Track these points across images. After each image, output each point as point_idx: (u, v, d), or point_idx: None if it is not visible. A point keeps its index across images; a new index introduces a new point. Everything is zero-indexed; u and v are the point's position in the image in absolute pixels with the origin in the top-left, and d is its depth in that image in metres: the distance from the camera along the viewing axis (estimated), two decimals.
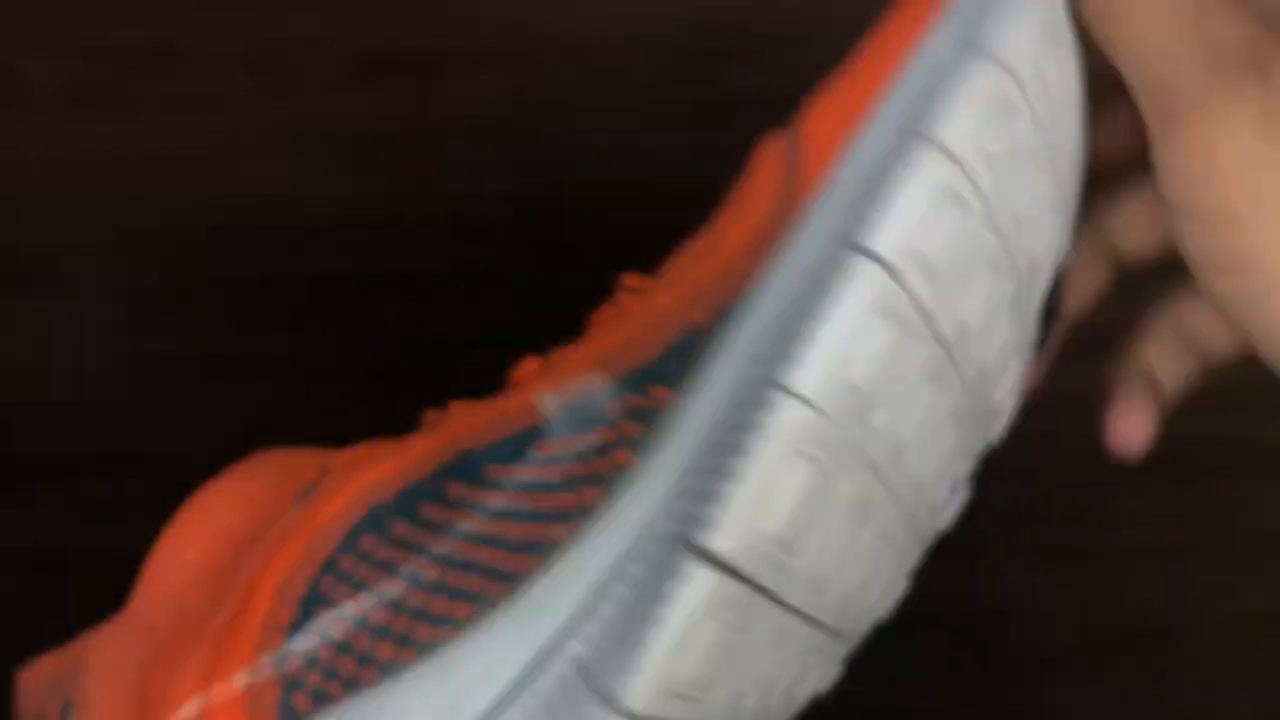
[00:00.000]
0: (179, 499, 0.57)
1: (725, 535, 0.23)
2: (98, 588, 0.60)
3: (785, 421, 0.23)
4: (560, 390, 0.26)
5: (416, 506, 0.26)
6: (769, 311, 0.24)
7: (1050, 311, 0.29)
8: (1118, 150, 0.26)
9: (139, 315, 0.53)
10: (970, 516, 0.57)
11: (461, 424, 0.27)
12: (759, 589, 0.24)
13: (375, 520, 0.26)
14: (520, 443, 0.26)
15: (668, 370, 0.25)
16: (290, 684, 0.25)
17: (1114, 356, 0.55)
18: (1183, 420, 0.55)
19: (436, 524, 0.26)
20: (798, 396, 0.23)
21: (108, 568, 0.59)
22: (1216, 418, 0.55)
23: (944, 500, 0.29)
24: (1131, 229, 0.26)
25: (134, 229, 0.51)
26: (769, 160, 0.27)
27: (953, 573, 0.59)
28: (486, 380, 0.55)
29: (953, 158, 0.23)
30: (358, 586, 0.25)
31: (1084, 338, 0.54)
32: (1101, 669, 0.61)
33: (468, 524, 0.25)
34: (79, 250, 0.52)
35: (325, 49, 0.48)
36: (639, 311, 0.27)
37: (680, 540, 0.23)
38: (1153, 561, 0.58)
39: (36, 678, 0.28)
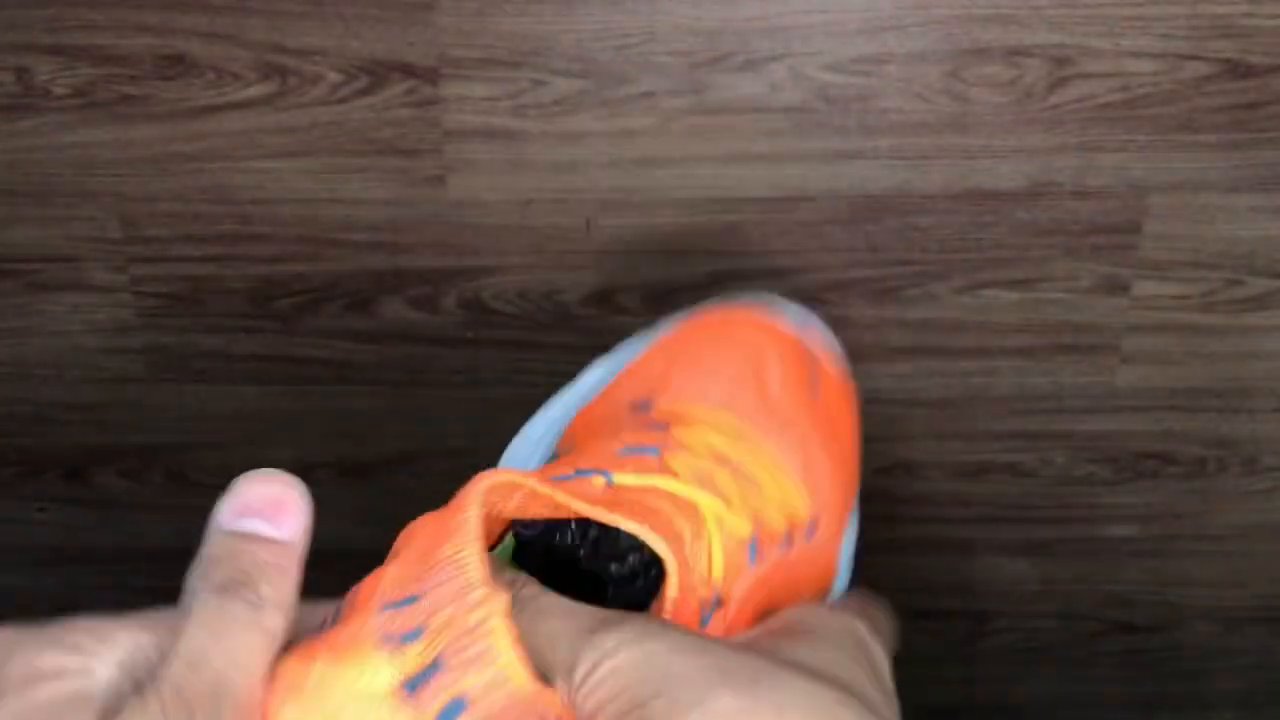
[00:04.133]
0: (188, 492, 0.57)
1: None
2: (109, 579, 0.60)
3: None
4: None
5: None
6: None
7: None
8: None
9: (148, 315, 0.54)
10: (959, 512, 0.58)
11: None
12: None
13: None
14: None
15: None
16: None
17: (1098, 358, 0.56)
18: (1165, 418, 0.56)
19: None
20: None
21: (119, 560, 0.59)
22: (1197, 415, 0.56)
23: None
24: None
25: (145, 231, 0.52)
26: None
27: (942, 566, 0.60)
28: (490, 379, 0.55)
29: None
30: None
31: (1072, 340, 0.54)
32: (1088, 658, 0.62)
33: None
34: (91, 252, 0.52)
35: (330, 57, 0.49)
36: None
37: None
38: (1137, 554, 0.59)
39: None
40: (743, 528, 0.33)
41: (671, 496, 0.32)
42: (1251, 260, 0.52)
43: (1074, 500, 0.57)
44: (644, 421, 0.36)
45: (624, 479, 0.31)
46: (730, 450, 0.35)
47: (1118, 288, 0.53)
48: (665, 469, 0.33)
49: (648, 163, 0.50)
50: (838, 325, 0.54)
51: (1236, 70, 0.49)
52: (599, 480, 0.31)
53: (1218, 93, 0.49)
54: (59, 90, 0.49)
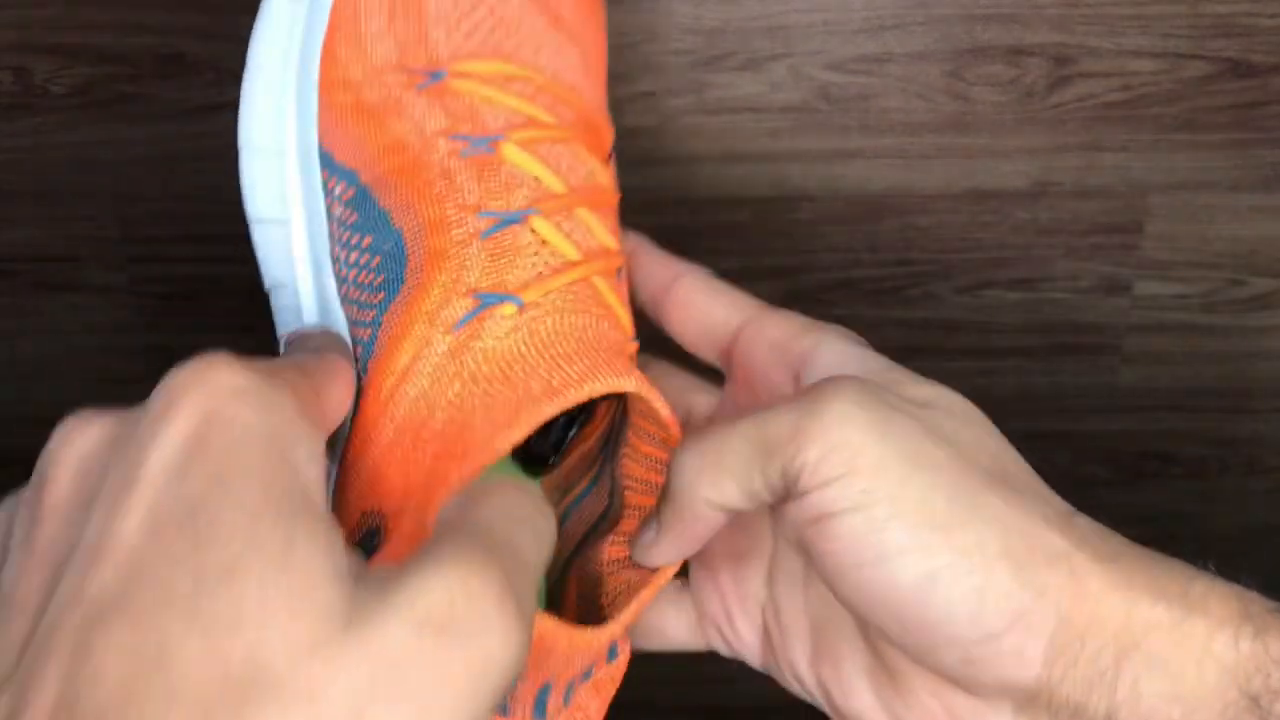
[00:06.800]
0: None
1: None
2: None
3: None
4: None
5: None
6: None
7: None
8: None
9: (148, 315, 0.54)
10: None
11: None
12: None
13: None
14: None
15: None
16: None
17: (1099, 358, 0.56)
18: (1166, 418, 0.56)
19: None
20: None
21: None
22: (1199, 415, 0.56)
23: None
24: None
25: (145, 231, 0.52)
26: None
27: None
28: None
29: None
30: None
31: (1073, 340, 0.54)
32: None
33: None
34: (90, 252, 0.52)
35: None
36: None
37: None
38: None
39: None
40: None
41: (580, 284, 0.31)
42: (1253, 260, 0.52)
43: (1074, 500, 0.57)
44: (441, 108, 0.33)
45: (532, 295, 0.29)
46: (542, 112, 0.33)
47: (1119, 287, 0.53)
48: (549, 245, 0.31)
49: (648, 162, 0.50)
50: (838, 325, 0.54)
51: (1238, 70, 0.49)
52: (509, 308, 0.29)
53: (1219, 92, 0.49)
54: (58, 90, 0.49)
